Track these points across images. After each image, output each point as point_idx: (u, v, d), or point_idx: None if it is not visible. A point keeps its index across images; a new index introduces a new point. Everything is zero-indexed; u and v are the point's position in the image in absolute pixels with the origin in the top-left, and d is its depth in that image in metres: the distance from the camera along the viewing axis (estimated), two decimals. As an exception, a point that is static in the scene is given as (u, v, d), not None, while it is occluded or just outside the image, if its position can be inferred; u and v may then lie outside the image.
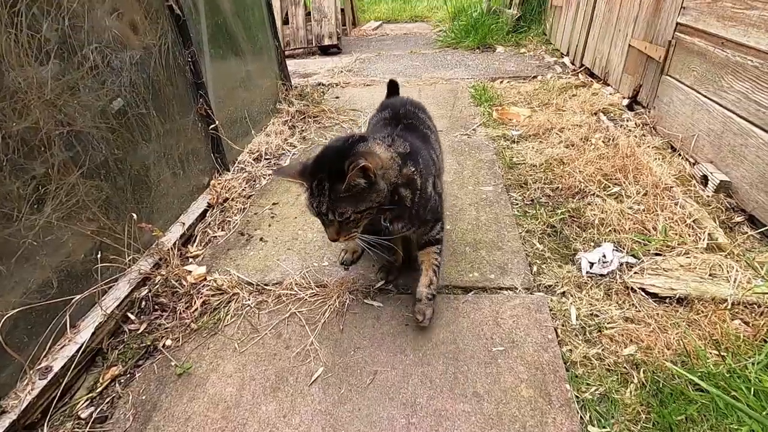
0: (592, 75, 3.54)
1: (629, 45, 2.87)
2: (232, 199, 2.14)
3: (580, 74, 3.62)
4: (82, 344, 1.34)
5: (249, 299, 1.59)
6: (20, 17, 1.23)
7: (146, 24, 1.77)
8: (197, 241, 1.91)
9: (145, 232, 1.65)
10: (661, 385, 1.16)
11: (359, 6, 7.99)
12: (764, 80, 1.68)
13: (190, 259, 1.79)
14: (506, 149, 2.51)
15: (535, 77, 3.75)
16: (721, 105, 1.93)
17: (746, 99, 1.77)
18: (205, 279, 1.68)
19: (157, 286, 1.60)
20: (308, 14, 5.54)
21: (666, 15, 2.40)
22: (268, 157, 2.54)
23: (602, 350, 1.29)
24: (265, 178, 2.38)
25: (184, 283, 1.64)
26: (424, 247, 1.45)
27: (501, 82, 3.73)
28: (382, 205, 1.18)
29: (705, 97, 2.05)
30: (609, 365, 1.25)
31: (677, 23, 2.29)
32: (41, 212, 1.30)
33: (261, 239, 1.90)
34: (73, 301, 1.37)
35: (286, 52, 4.94)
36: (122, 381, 1.33)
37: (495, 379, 1.23)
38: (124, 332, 1.48)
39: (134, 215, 1.56)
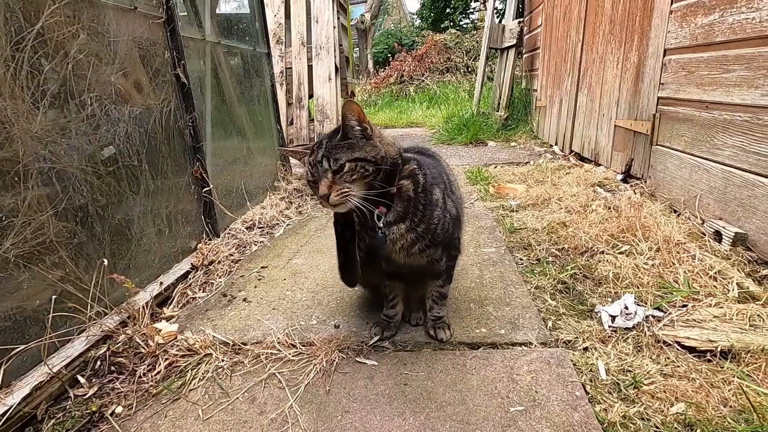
0: (582, 159, 3.66)
1: (615, 125, 3.01)
2: (219, 262, 2.00)
3: (570, 158, 3.75)
4: (10, 408, 1.10)
5: (223, 360, 1.37)
6: (23, 53, 1.26)
7: (151, 86, 1.84)
8: (174, 302, 1.73)
9: (116, 284, 1.49)
10: (727, 447, 0.92)
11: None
12: (758, 131, 1.69)
13: (163, 320, 1.60)
14: (506, 217, 2.45)
15: (527, 162, 3.88)
16: (718, 162, 1.93)
17: (743, 151, 1.77)
18: (176, 338, 1.47)
19: (119, 344, 1.39)
20: (311, 120, 5.98)
21: (646, 93, 2.55)
22: (261, 226, 2.47)
23: (644, 408, 1.06)
24: (255, 244, 2.27)
25: (151, 343, 1.43)
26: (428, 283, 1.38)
27: (495, 167, 3.84)
28: (379, 164, 1.13)
29: (700, 157, 2.06)
30: (656, 425, 1.01)
31: (658, 98, 2.41)
32: (0, 245, 1.18)
33: (244, 300, 1.72)
34: (13, 353, 1.17)
35: (290, 152, 5.21)
36: (51, 455, 1.07)
37: (517, 444, 0.99)
38: (68, 397, 1.24)
39: (105, 261, 1.42)
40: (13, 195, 1.23)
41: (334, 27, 5.81)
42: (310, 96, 6.05)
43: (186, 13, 2.24)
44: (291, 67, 5.88)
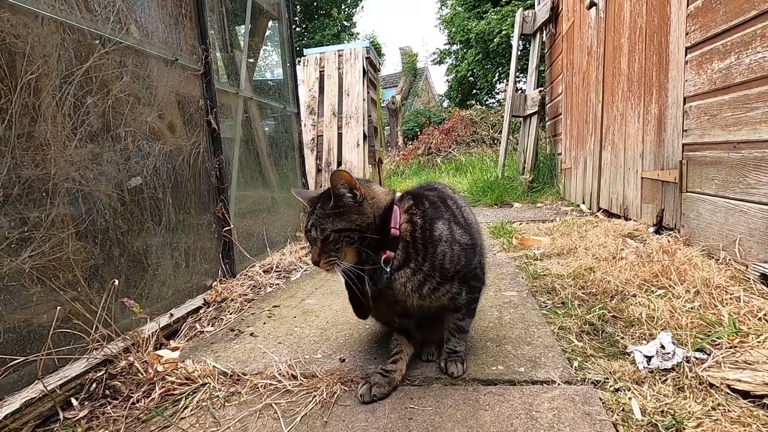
0: (611, 215, 3.54)
1: (642, 178, 2.94)
2: (232, 300, 1.98)
3: (599, 214, 3.64)
4: (-4, 422, 1.06)
5: (220, 389, 1.29)
6: (70, 86, 1.40)
7: (184, 128, 1.98)
8: (182, 335, 1.70)
9: (126, 307, 1.49)
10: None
11: (386, 184, 8.97)
12: (792, 165, 1.60)
13: (166, 349, 1.55)
14: (529, 265, 2.35)
15: (552, 220, 3.78)
16: (754, 202, 1.81)
17: (780, 188, 1.66)
18: (176, 366, 1.41)
19: (118, 369, 1.35)
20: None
21: (670, 141, 2.51)
22: (279, 270, 2.46)
23: (689, 452, 0.90)
24: (270, 286, 2.25)
25: (150, 370, 1.38)
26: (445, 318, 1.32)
27: (520, 223, 3.77)
28: (364, 232, 1.15)
29: (734, 199, 1.95)
30: (704, 470, 0.84)
31: (683, 145, 2.36)
32: (18, 255, 1.22)
33: (251, 334, 1.67)
34: (8, 366, 1.15)
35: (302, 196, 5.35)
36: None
37: (534, 484, 0.84)
38: (58, 419, 1.19)
39: (116, 281, 1.43)
40: (39, 210, 1.29)
41: (364, 99, 6.20)
42: (339, 162, 6.33)
43: (224, 70, 2.47)
44: (322, 135, 6.23)
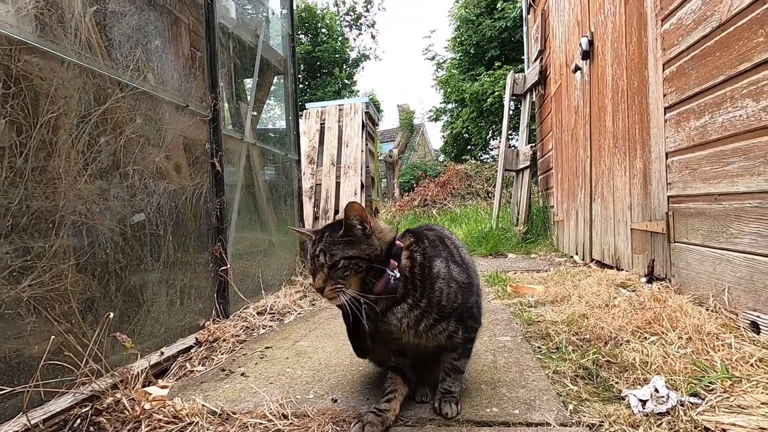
0: (603, 266, 3.58)
1: (631, 229, 3.02)
2: (224, 340, 1.96)
3: (592, 265, 3.68)
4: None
5: (208, 428, 1.26)
6: (86, 125, 1.49)
7: (189, 169, 2.06)
8: (171, 373, 1.66)
9: (118, 342, 1.47)
10: None
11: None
12: (770, 215, 1.68)
13: (154, 386, 1.52)
14: (523, 311, 2.35)
15: (547, 270, 3.82)
16: (739, 251, 1.87)
17: (761, 237, 1.73)
18: (164, 404, 1.38)
19: (104, 405, 1.32)
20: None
21: (656, 194, 2.61)
22: (272, 312, 2.45)
23: (686, 494, 0.88)
24: (264, 328, 2.22)
25: (137, 407, 1.35)
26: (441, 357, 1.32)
27: (514, 273, 3.79)
28: (372, 262, 1.16)
29: (720, 249, 2.01)
30: None
31: (668, 197, 2.46)
32: (18, 283, 1.23)
33: (242, 374, 1.64)
34: (-3, 395, 1.13)
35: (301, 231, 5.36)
36: None
37: None
38: (36, 456, 1.15)
39: (111, 314, 1.43)
40: (44, 240, 1.33)
41: (362, 151, 6.42)
42: (336, 211, 6.44)
43: (231, 117, 2.60)
44: (320, 184, 6.38)
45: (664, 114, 2.48)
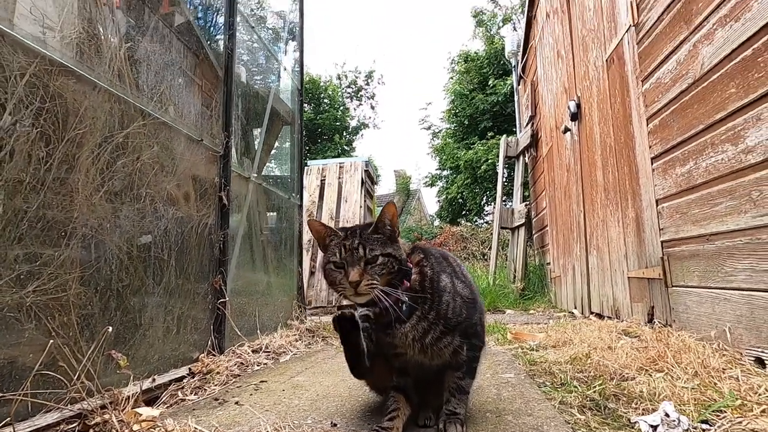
0: (602, 317, 3.54)
1: (628, 278, 3.04)
2: (218, 372, 1.89)
3: (591, 317, 3.64)
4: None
5: (200, 449, 1.19)
6: (108, 146, 1.57)
7: (197, 200, 2.12)
8: (162, 401, 1.59)
9: (113, 359, 1.43)
10: None
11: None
12: (762, 250, 1.73)
13: (145, 407, 1.45)
14: (525, 354, 2.30)
15: (546, 323, 3.76)
16: (735, 289, 1.90)
17: (755, 272, 1.77)
18: (154, 425, 1.31)
19: (92, 424, 1.25)
20: (332, 284, 6.21)
21: (650, 240, 2.68)
22: (268, 351, 2.37)
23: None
24: (258, 365, 2.15)
25: (126, 429, 1.28)
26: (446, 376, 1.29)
27: (514, 325, 3.73)
28: (402, 264, 1.20)
29: (717, 288, 2.03)
30: None
31: (662, 242, 2.52)
32: (23, 287, 1.23)
33: (237, 403, 1.57)
34: (-14, 400, 1.08)
35: (308, 310, 5.25)
36: None
37: None
38: (16, 471, 1.07)
39: (110, 328, 1.40)
40: (53, 249, 1.35)
41: (361, 206, 6.56)
42: (333, 265, 6.43)
43: (240, 157, 2.71)
44: (318, 237, 6.43)
45: (651, 164, 2.62)
